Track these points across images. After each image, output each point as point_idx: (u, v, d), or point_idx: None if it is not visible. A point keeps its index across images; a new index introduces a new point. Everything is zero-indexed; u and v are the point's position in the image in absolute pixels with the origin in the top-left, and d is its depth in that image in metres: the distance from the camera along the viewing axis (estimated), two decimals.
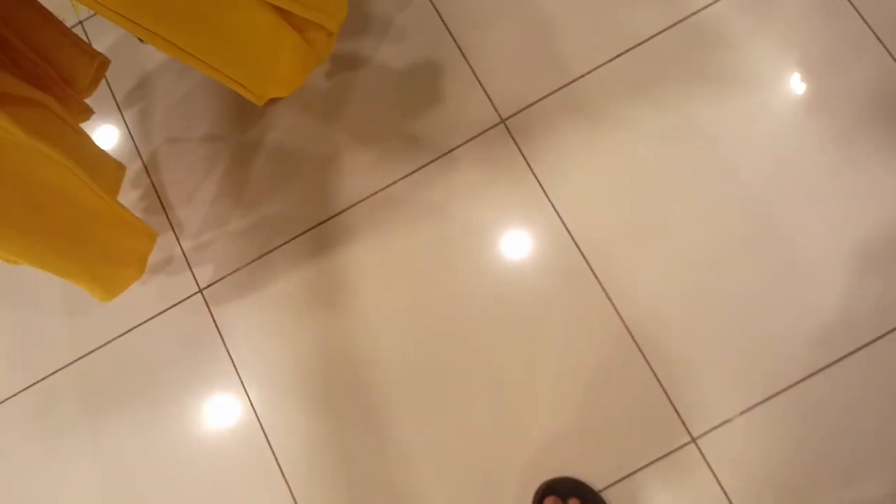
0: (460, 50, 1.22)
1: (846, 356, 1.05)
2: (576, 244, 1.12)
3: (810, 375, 1.05)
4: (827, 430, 1.04)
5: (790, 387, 1.05)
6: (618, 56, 1.18)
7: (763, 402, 1.05)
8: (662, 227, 1.11)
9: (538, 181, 1.15)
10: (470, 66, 1.21)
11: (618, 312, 1.09)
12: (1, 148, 0.83)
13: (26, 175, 0.87)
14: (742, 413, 1.05)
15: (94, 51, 1.10)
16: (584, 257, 1.11)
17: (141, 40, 1.26)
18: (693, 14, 1.18)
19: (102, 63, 1.12)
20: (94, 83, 1.11)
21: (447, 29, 1.23)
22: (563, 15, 1.21)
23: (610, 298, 1.10)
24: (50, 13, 1.04)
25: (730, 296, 1.08)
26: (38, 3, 1.02)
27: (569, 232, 1.13)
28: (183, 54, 0.92)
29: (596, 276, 1.11)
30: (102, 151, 1.12)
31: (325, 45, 1.05)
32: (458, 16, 1.24)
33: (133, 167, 1.28)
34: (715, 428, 1.05)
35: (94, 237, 1.00)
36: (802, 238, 1.08)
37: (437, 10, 1.25)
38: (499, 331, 1.11)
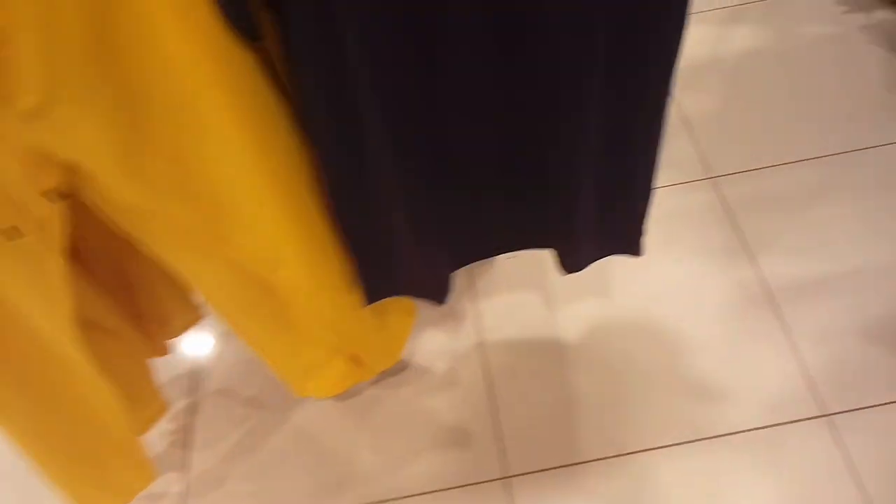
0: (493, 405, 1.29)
1: None
2: None
3: None
4: None
5: None
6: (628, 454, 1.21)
7: None
8: None
9: None
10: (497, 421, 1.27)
11: None
12: (54, 359, 0.87)
13: (60, 388, 0.90)
14: None
15: (197, 304, 1.22)
16: None
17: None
18: (717, 437, 1.20)
19: (200, 317, 1.23)
20: (184, 330, 1.22)
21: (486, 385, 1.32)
22: (593, 400, 1.27)
23: None
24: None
25: None
26: None
27: None
28: (238, 333, 1.05)
29: None
30: (154, 389, 1.18)
31: (372, 371, 1.22)
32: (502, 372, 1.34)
33: (178, 405, 1.37)
34: None
35: (97, 461, 1.02)
36: None
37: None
38: None
